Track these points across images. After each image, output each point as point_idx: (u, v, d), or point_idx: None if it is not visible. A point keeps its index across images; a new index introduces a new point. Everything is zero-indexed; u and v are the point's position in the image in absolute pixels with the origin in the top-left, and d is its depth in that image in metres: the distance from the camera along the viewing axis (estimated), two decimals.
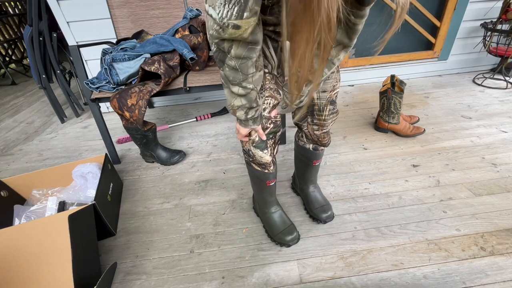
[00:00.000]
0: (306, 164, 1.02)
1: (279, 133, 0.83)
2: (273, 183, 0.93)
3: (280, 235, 0.96)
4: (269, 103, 0.76)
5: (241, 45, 0.57)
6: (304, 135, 0.95)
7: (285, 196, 1.18)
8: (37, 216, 1.01)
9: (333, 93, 0.83)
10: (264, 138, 0.78)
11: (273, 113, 0.77)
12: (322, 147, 0.96)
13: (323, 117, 0.86)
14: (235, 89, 0.65)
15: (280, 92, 0.79)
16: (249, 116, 0.71)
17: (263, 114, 0.77)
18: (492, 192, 1.11)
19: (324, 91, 0.83)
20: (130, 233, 1.08)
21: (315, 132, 0.90)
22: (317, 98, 0.83)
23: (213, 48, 0.60)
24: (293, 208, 1.12)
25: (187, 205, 1.19)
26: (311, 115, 0.87)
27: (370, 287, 0.82)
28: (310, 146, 0.96)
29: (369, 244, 0.95)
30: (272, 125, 0.78)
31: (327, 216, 1.03)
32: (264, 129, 0.78)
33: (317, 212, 1.04)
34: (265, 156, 0.83)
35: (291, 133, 1.65)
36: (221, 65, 0.62)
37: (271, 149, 0.83)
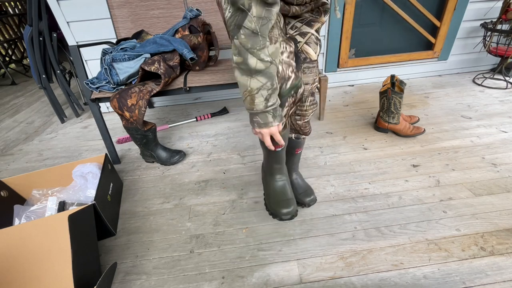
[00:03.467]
0: (289, 153, 1.06)
1: (301, 90, 0.79)
2: (280, 148, 0.89)
3: (276, 205, 0.93)
4: (285, 47, 0.72)
5: (259, 3, 0.57)
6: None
7: None
8: (37, 216, 1.01)
9: (314, 85, 0.89)
10: (283, 143, 0.77)
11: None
12: (304, 136, 1.02)
13: (305, 108, 0.91)
14: (253, 61, 0.61)
15: (292, 43, 0.76)
16: (269, 104, 0.66)
17: (281, 58, 0.71)
18: (492, 192, 1.11)
19: (307, 83, 0.87)
20: (130, 233, 1.08)
21: (297, 122, 0.95)
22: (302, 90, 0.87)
23: (228, 13, 0.57)
24: None
25: (187, 205, 1.19)
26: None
27: (370, 287, 0.82)
28: (293, 136, 1.01)
29: (369, 244, 0.95)
30: (293, 75, 0.74)
31: (310, 199, 1.09)
32: (286, 78, 0.74)
33: (301, 197, 1.09)
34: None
35: None
36: (237, 31, 0.59)
37: (288, 109, 0.80)
